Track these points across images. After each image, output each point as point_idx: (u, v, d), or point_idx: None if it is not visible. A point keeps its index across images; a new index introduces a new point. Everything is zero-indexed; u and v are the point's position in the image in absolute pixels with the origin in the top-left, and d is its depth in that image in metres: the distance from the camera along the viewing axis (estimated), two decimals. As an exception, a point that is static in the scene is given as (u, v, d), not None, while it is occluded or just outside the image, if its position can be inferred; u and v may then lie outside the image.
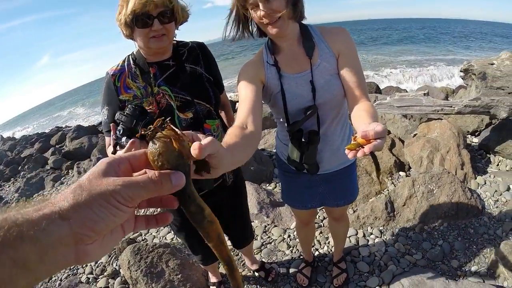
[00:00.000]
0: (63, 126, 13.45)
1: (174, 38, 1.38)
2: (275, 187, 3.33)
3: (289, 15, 1.12)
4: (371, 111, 1.04)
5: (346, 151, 0.78)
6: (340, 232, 2.07)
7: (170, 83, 1.36)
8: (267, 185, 3.40)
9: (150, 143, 0.45)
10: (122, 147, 1.13)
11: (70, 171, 5.51)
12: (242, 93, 1.15)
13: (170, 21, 1.26)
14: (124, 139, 1.13)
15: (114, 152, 1.14)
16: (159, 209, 1.16)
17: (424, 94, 3.58)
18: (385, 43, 31.18)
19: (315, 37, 1.26)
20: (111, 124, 1.20)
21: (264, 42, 1.32)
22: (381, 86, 8.16)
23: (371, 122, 0.88)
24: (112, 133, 1.17)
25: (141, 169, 0.46)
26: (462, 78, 3.49)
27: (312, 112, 1.27)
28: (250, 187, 2.91)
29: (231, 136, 0.85)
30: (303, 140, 1.32)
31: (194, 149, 0.46)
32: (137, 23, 1.21)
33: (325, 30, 1.29)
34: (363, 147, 0.76)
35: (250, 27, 1.25)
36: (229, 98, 1.99)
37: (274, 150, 2.60)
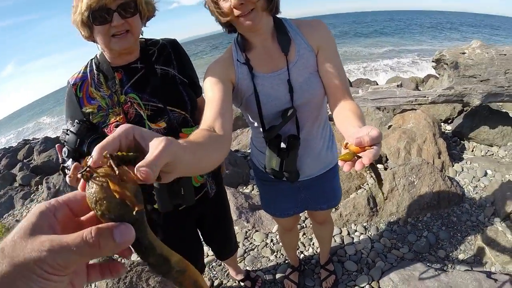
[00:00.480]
0: (31, 138, 12.84)
1: (142, 36, 1.23)
2: (253, 189, 3.23)
3: (263, 6, 1.00)
4: (357, 112, 0.93)
5: (340, 163, 0.68)
6: (325, 235, 1.99)
7: (139, 89, 1.20)
8: (244, 187, 3.29)
9: (87, 186, 0.35)
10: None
11: (39, 186, 5.19)
12: (208, 94, 1.02)
13: (133, 14, 1.09)
14: (70, 161, 1.01)
15: (64, 175, 1.01)
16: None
17: (398, 85, 3.59)
18: (354, 36, 31.79)
19: (291, 31, 1.14)
20: (56, 145, 1.06)
21: (234, 38, 1.18)
22: (351, 79, 8.23)
23: (361, 126, 0.79)
24: (59, 155, 1.04)
25: (87, 212, 0.38)
26: (434, 68, 3.52)
27: (290, 115, 1.14)
28: (227, 192, 2.78)
29: (196, 135, 0.73)
30: (282, 146, 1.19)
31: (140, 174, 0.36)
32: (94, 20, 1.05)
33: (302, 24, 1.17)
34: (359, 157, 0.67)
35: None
36: None
37: (249, 151, 2.50)
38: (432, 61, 3.49)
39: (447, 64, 3.23)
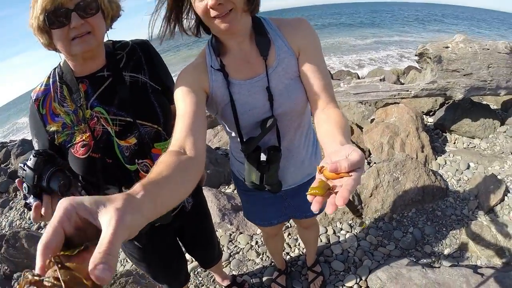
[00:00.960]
0: (7, 141, 12.40)
1: (109, 39, 1.12)
2: (235, 189, 3.15)
3: (243, 6, 0.89)
4: (341, 124, 0.85)
5: (309, 198, 0.59)
6: (311, 238, 1.95)
7: (106, 102, 1.07)
8: (226, 187, 3.21)
9: None
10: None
11: (18, 193, 4.98)
12: (179, 107, 0.92)
13: (94, 14, 0.97)
14: (31, 199, 0.94)
15: (29, 210, 0.95)
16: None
17: (380, 80, 3.57)
18: (336, 28, 31.85)
19: (270, 32, 1.02)
20: (16, 180, 0.97)
21: (207, 40, 1.06)
22: (332, 71, 8.20)
23: (343, 143, 0.71)
24: (20, 191, 0.96)
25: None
26: (417, 62, 3.52)
27: (270, 125, 1.04)
28: (208, 193, 2.70)
29: (161, 164, 0.66)
30: (262, 159, 1.09)
31: (96, 278, 0.35)
32: (51, 23, 0.93)
33: (282, 23, 1.04)
34: (334, 191, 0.58)
35: (186, 20, 0.98)
36: None
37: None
38: (415, 55, 3.47)
39: (430, 58, 3.22)
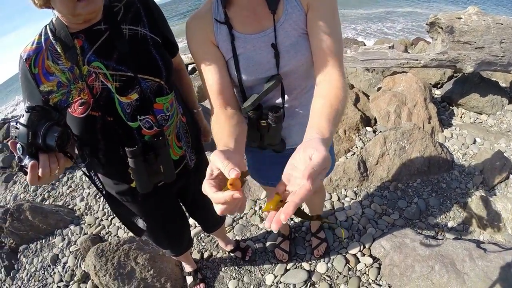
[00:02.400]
0: (10, 117, 11.86)
1: None
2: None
3: None
4: (333, 104, 0.79)
5: (266, 213, 0.56)
6: (316, 203, 1.89)
7: (104, 56, 1.00)
8: None
9: None
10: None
11: None
12: (202, 67, 0.97)
13: None
14: (26, 159, 0.84)
15: (24, 174, 0.87)
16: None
17: (389, 47, 3.42)
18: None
19: None
20: (9, 143, 0.87)
21: None
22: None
23: (324, 133, 0.70)
24: (14, 153, 0.86)
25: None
26: (427, 31, 3.37)
27: (274, 83, 0.99)
28: (210, 156, 2.60)
29: (227, 132, 0.82)
30: (262, 121, 1.03)
31: None
32: None
33: None
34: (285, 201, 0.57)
35: None
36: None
37: None
38: (426, 24, 3.32)
39: (441, 28, 3.08)
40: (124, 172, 1.11)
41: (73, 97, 0.98)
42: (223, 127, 0.85)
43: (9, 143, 0.86)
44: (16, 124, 0.85)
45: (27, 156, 0.85)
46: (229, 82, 0.98)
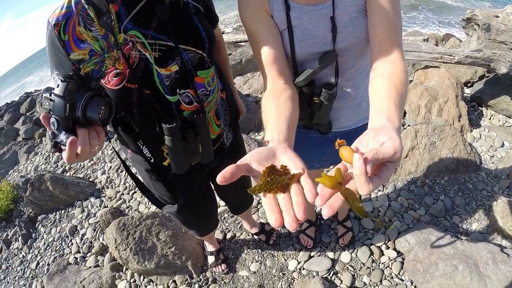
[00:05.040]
0: (33, 91, 11.59)
1: None
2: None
3: None
4: (399, 87, 0.71)
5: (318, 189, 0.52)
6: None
7: (142, 25, 0.91)
8: (256, 134, 3.06)
9: None
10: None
11: (43, 138, 4.89)
12: (255, 37, 0.92)
13: None
14: (62, 135, 0.73)
15: (59, 151, 0.77)
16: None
17: (424, 40, 3.31)
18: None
19: None
20: (41, 117, 0.75)
21: None
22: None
23: (394, 117, 0.63)
24: (47, 128, 0.75)
25: None
26: (463, 27, 3.25)
27: (330, 59, 0.94)
28: (241, 138, 2.59)
29: (287, 110, 0.78)
30: (314, 98, 0.99)
31: None
32: None
33: None
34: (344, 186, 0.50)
35: None
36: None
37: (260, 95, 2.20)
38: (463, 19, 3.20)
39: (478, 25, 2.98)
40: (158, 151, 1.05)
41: (107, 67, 0.90)
42: (275, 107, 0.79)
43: (41, 117, 0.76)
44: (50, 95, 0.74)
45: (63, 132, 0.75)
46: (283, 53, 0.93)
